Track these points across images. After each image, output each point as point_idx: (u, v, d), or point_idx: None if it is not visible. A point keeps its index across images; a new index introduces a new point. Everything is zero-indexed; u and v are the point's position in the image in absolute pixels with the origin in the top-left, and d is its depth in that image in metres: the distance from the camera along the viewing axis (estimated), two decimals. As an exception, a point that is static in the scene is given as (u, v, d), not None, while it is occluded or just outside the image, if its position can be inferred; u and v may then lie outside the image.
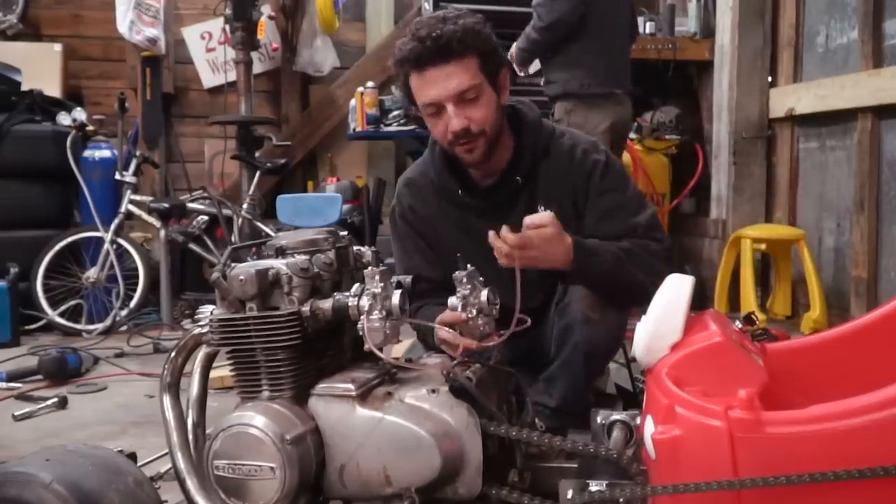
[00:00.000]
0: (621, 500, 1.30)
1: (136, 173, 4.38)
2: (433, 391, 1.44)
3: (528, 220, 1.71)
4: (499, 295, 1.62)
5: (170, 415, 1.58)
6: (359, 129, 4.85)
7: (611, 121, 3.45)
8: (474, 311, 1.54)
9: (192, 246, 4.36)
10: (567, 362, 1.92)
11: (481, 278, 1.58)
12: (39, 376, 3.21)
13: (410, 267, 1.99)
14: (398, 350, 2.25)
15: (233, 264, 1.48)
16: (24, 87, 4.55)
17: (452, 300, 1.56)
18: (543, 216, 1.71)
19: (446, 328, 1.60)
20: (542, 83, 3.64)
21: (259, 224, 4.44)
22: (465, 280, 1.54)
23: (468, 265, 1.56)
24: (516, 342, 1.73)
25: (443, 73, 1.77)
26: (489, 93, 1.82)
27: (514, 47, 3.58)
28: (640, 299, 1.82)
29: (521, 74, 3.77)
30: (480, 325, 1.55)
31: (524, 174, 1.92)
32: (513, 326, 1.56)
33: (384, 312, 1.43)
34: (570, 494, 1.34)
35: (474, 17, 1.82)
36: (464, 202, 1.96)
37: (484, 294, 1.55)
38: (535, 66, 3.70)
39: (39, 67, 4.89)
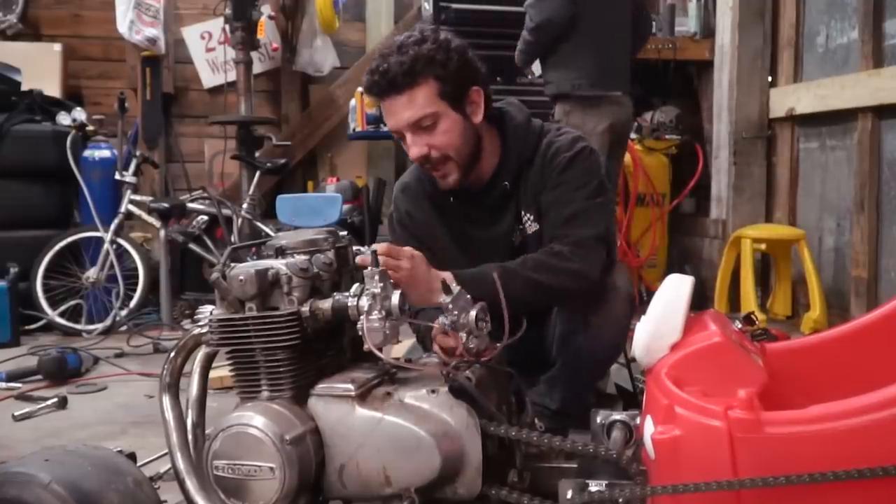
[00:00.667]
0: (621, 500, 1.29)
1: (135, 173, 4.38)
2: (433, 391, 1.44)
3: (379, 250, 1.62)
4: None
5: (169, 415, 1.58)
6: (359, 129, 4.85)
7: (609, 122, 3.44)
8: (464, 335, 1.50)
9: (192, 246, 4.35)
10: (569, 366, 1.91)
11: (468, 296, 1.53)
12: (39, 376, 3.20)
13: None
14: (398, 350, 2.25)
15: (232, 264, 1.48)
16: (24, 87, 4.55)
17: (442, 322, 1.51)
18: (381, 246, 1.62)
19: (440, 347, 1.60)
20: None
21: (259, 224, 4.44)
22: (451, 305, 1.50)
23: (452, 286, 1.52)
24: (516, 344, 1.73)
25: (396, 104, 1.77)
26: (451, 117, 1.78)
27: (516, 52, 3.59)
28: (556, 300, 1.87)
29: (528, 77, 3.76)
30: (472, 346, 1.51)
31: (511, 178, 1.90)
32: (505, 339, 1.54)
33: (384, 312, 1.42)
34: (569, 494, 1.34)
35: (434, 40, 1.76)
36: (454, 209, 1.95)
37: (472, 314, 1.50)
38: (538, 67, 3.69)
39: (39, 67, 4.89)
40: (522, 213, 1.92)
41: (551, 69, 3.51)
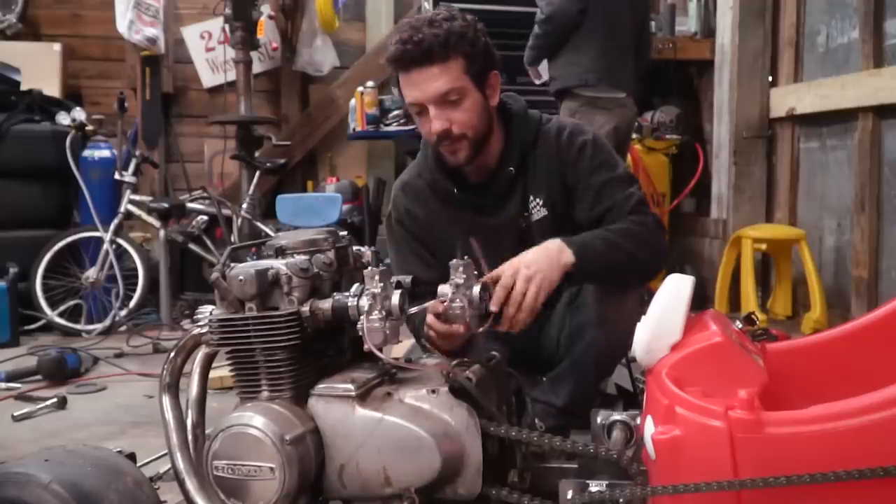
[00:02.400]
0: (621, 500, 1.29)
1: (135, 173, 4.38)
2: (433, 391, 1.44)
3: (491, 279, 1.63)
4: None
5: (169, 415, 1.57)
6: (359, 128, 4.85)
7: (614, 123, 3.44)
8: (465, 301, 1.51)
9: (192, 246, 4.35)
10: (577, 363, 1.91)
11: (476, 272, 1.56)
12: (39, 376, 3.20)
13: (407, 272, 1.98)
14: (398, 350, 2.25)
15: (232, 264, 1.48)
16: (24, 87, 4.55)
17: (443, 288, 1.53)
18: (501, 272, 1.63)
19: (433, 314, 1.59)
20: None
21: (259, 224, 4.44)
22: (461, 269, 1.51)
23: (465, 256, 1.54)
24: (518, 342, 1.73)
25: (425, 75, 1.77)
26: (474, 95, 1.81)
27: (526, 49, 3.59)
28: (643, 277, 1.94)
29: (537, 82, 3.75)
30: (467, 316, 1.52)
31: (516, 164, 1.92)
32: (502, 320, 1.57)
33: (384, 312, 1.42)
34: (570, 495, 1.34)
35: (464, 19, 1.81)
36: (460, 200, 1.96)
37: (476, 289, 1.53)
38: (545, 71, 3.68)
39: (39, 67, 4.89)
40: (531, 198, 1.93)
41: (559, 64, 3.51)
